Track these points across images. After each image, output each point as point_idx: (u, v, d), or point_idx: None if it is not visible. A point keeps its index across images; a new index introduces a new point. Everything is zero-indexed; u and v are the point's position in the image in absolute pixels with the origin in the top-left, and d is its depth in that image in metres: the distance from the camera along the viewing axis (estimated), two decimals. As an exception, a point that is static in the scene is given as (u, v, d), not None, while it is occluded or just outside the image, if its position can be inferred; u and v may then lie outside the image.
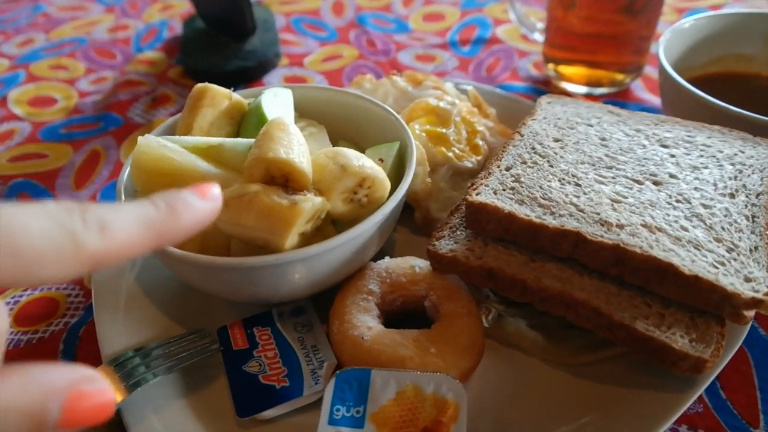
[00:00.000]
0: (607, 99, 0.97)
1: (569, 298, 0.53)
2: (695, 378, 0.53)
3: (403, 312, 0.61)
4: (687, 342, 0.49)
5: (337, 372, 0.52)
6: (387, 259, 0.63)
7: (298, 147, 0.57)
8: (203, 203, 0.39)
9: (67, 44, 1.24)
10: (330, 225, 0.60)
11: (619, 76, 0.97)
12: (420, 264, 0.62)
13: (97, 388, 0.31)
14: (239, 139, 0.63)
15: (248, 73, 1.08)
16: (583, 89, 0.97)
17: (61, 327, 0.67)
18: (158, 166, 0.60)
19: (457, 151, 0.74)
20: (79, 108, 1.04)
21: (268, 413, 0.54)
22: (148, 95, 1.06)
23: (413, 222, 0.73)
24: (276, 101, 0.70)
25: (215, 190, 0.41)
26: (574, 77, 0.97)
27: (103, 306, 0.63)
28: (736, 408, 0.56)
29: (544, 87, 1.01)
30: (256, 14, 1.19)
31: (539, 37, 1.01)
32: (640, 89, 0.99)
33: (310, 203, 0.54)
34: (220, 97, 0.69)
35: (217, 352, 0.59)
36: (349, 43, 1.18)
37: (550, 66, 1.00)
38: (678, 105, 0.78)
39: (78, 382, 0.30)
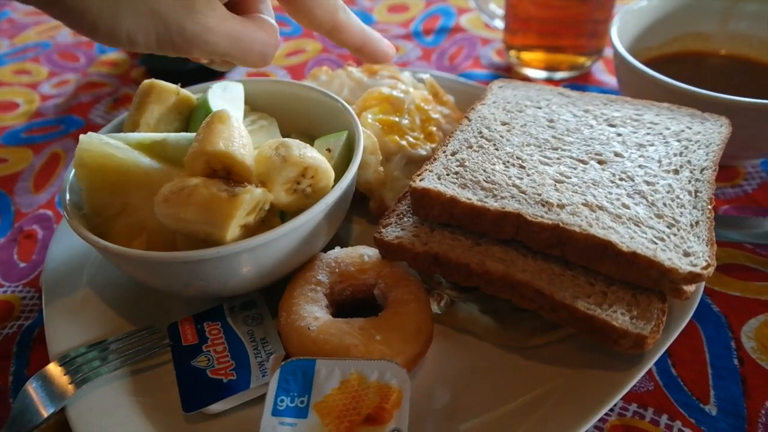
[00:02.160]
0: (568, 83, 0.97)
1: (512, 280, 0.53)
2: (641, 356, 0.53)
3: (353, 301, 0.61)
4: (628, 319, 0.49)
5: (282, 363, 0.52)
6: (337, 249, 0.63)
7: (239, 139, 0.57)
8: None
9: (30, 49, 1.23)
10: (276, 217, 0.60)
11: (580, 59, 0.97)
12: (369, 253, 0.61)
13: None
14: (183, 134, 0.62)
15: (209, 71, 1.06)
16: (543, 74, 0.97)
17: (15, 330, 0.66)
18: (101, 163, 0.59)
19: (411, 140, 0.74)
20: (40, 111, 1.03)
21: (215, 407, 0.53)
22: (110, 96, 1.05)
23: (369, 211, 0.73)
24: (224, 95, 0.70)
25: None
26: (533, 62, 0.97)
27: (53, 306, 0.62)
28: (686, 384, 0.56)
29: (506, 74, 1.01)
30: (219, 11, 1.18)
31: (500, 24, 1.01)
32: (600, 72, 0.99)
33: (249, 194, 0.53)
34: (167, 93, 0.68)
35: (166, 349, 0.59)
36: (313, 37, 1.17)
37: (512, 53, 1.00)
38: (632, 85, 0.77)
39: None
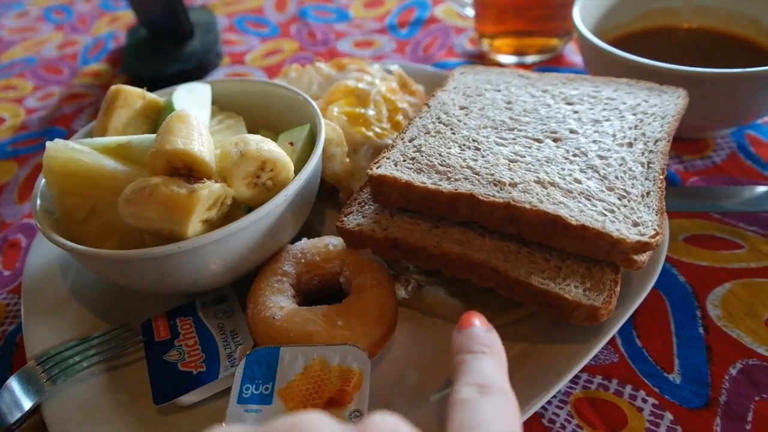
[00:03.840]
0: (539, 66, 0.97)
1: (469, 260, 0.53)
2: (601, 328, 0.53)
3: (320, 290, 0.62)
4: (581, 292, 0.50)
5: (248, 353, 0.53)
6: (304, 240, 0.64)
7: (198, 137, 0.58)
8: (492, 332, 0.44)
9: (17, 65, 1.25)
10: (241, 211, 0.61)
11: (552, 41, 0.97)
12: (334, 242, 0.62)
13: None
14: (146, 136, 0.63)
15: (189, 75, 1.08)
16: (513, 59, 0.97)
17: (-1, 336, 0.68)
18: (68, 168, 0.61)
19: (377, 130, 0.74)
20: (25, 125, 1.05)
21: (185, 398, 0.55)
22: (93, 106, 1.07)
23: (340, 203, 0.74)
24: (190, 97, 0.71)
25: (479, 318, 0.45)
26: (502, 48, 0.97)
27: (31, 308, 0.64)
28: (651, 354, 0.57)
29: (479, 61, 1.02)
30: (197, 17, 1.20)
31: (471, 12, 1.01)
32: (572, 53, 1.00)
33: (207, 190, 0.54)
34: (133, 97, 0.70)
35: (140, 345, 0.60)
36: (290, 36, 1.18)
37: (485, 41, 1.01)
38: (596, 63, 0.78)
39: None
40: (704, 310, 0.60)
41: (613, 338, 0.58)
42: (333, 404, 0.49)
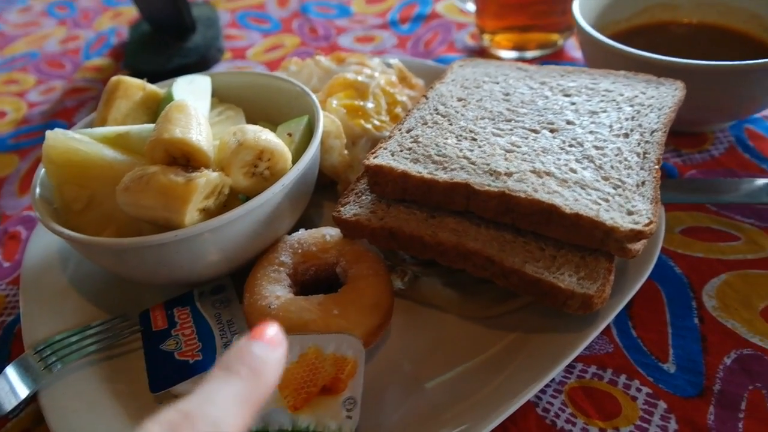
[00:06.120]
0: (541, 62, 0.97)
1: (464, 250, 0.54)
2: (595, 317, 0.54)
3: (317, 280, 0.62)
4: (575, 281, 0.50)
5: (244, 341, 0.53)
6: (301, 231, 0.64)
7: (196, 126, 0.58)
8: (273, 352, 0.37)
9: (19, 59, 1.26)
10: (238, 200, 0.61)
11: (553, 37, 0.97)
12: (331, 233, 0.63)
13: None
14: (145, 125, 0.64)
15: (190, 70, 1.07)
16: (513, 54, 0.98)
17: (-2, 326, 0.69)
18: (67, 157, 0.61)
19: (376, 123, 0.75)
20: (27, 118, 1.06)
21: (181, 387, 0.55)
22: (95, 100, 1.08)
23: (338, 195, 0.74)
24: (190, 88, 0.72)
25: (272, 331, 0.39)
26: (503, 42, 0.98)
27: (30, 298, 0.65)
28: (646, 345, 0.57)
29: (479, 56, 1.02)
30: (199, 12, 1.20)
31: (471, 7, 1.01)
32: (573, 49, 1.00)
33: (205, 179, 0.55)
34: (133, 88, 0.70)
35: (137, 334, 0.61)
36: (292, 32, 1.19)
37: (486, 36, 1.01)
38: (595, 57, 0.78)
39: None
40: (700, 301, 0.60)
41: (608, 328, 0.58)
42: (327, 392, 0.49)
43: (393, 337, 0.60)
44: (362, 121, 0.74)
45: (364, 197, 0.61)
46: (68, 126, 1.00)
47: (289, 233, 0.65)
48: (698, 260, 0.63)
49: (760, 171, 0.72)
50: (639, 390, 0.53)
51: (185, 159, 0.58)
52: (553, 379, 0.55)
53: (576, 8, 0.79)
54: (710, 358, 0.55)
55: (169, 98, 0.68)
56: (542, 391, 0.54)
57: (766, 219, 0.66)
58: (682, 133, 0.78)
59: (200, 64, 1.10)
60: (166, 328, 0.60)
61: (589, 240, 0.51)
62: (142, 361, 0.59)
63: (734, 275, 0.61)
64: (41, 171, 0.65)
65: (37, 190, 0.63)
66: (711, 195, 0.68)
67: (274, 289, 0.58)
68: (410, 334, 0.60)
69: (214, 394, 0.33)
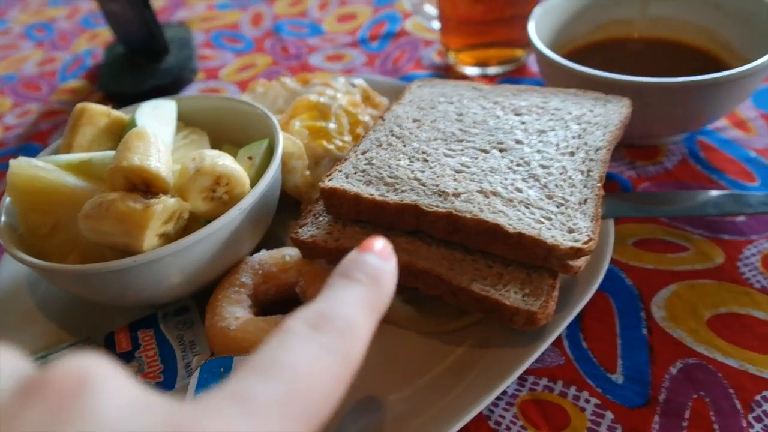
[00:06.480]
0: (503, 77, 0.99)
1: (414, 269, 0.55)
2: (544, 332, 0.55)
3: (277, 300, 0.63)
4: (519, 297, 0.52)
5: (203, 362, 0.55)
6: (263, 251, 0.66)
7: (155, 153, 0.60)
8: (387, 263, 0.38)
9: (-4, 83, 1.28)
10: (199, 224, 0.63)
11: (516, 52, 1.00)
12: (291, 253, 0.64)
13: None
14: (107, 152, 0.65)
15: (164, 91, 1.10)
16: (476, 70, 1.00)
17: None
18: (31, 185, 0.63)
19: (338, 143, 0.77)
20: (2, 142, 1.07)
21: (143, 408, 0.56)
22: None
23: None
24: (154, 113, 0.73)
25: (380, 244, 0.39)
26: (466, 59, 1.00)
27: (-2, 324, 0.66)
28: (596, 356, 0.59)
29: (445, 73, 1.04)
30: (173, 34, 1.22)
31: (437, 25, 1.03)
32: (536, 64, 1.02)
33: (162, 205, 0.56)
34: (98, 115, 0.72)
35: (102, 357, 0.62)
36: (264, 51, 1.21)
37: (450, 53, 1.03)
38: (551, 75, 0.80)
39: None
40: (648, 312, 0.61)
41: (560, 341, 0.60)
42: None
43: (352, 354, 0.61)
44: (324, 142, 0.76)
45: (321, 218, 0.63)
46: (43, 148, 1.02)
47: (252, 254, 0.66)
48: (648, 272, 0.65)
49: (710, 182, 0.74)
50: (587, 401, 0.55)
51: (145, 185, 0.59)
52: (506, 392, 0.57)
53: (531, 27, 0.82)
54: (657, 369, 0.57)
55: (132, 124, 0.70)
56: (494, 404, 0.56)
57: (715, 230, 0.68)
58: (637, 146, 0.80)
59: (173, 85, 1.11)
60: (130, 350, 0.62)
61: (532, 258, 0.53)
62: (107, 384, 0.60)
63: (683, 286, 0.63)
64: (6, 198, 0.66)
65: (2, 218, 0.64)
66: (663, 207, 0.70)
67: (234, 310, 0.60)
68: (369, 350, 0.61)
69: (343, 297, 0.34)
